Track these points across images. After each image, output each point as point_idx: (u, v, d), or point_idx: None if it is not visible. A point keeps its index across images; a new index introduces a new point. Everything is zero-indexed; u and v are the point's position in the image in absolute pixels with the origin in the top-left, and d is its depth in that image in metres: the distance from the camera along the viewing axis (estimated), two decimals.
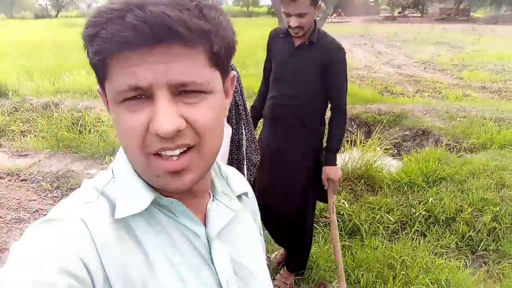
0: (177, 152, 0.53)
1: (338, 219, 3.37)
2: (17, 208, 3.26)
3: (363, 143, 4.85)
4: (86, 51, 0.52)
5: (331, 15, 31.02)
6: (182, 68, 0.50)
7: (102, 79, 0.54)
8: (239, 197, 0.74)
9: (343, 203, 3.55)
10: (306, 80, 2.24)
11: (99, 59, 0.50)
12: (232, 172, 0.77)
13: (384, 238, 3.22)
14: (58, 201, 3.64)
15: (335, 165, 2.28)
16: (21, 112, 6.03)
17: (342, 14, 31.77)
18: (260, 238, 0.80)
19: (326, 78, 2.19)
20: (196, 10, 0.50)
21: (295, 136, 2.33)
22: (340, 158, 4.43)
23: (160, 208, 0.60)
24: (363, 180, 4.02)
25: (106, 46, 0.48)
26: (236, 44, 0.59)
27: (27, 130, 5.51)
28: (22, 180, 3.94)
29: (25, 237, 0.52)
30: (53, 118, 5.61)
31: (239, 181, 0.76)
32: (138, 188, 0.58)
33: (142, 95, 0.51)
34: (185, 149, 0.54)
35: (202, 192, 0.66)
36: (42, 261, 0.48)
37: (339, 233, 3.26)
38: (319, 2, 2.10)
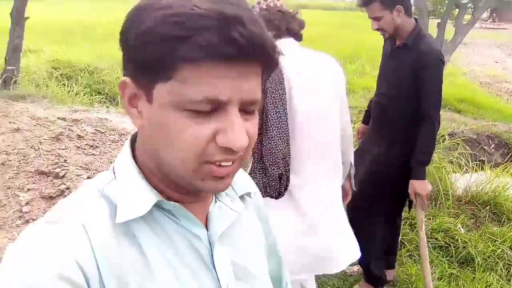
0: (231, 162, 0.55)
1: (450, 243, 3.08)
2: None
3: (498, 165, 4.32)
4: (145, 44, 0.49)
5: (487, 20, 27.93)
6: (252, 86, 0.53)
7: (156, 78, 0.51)
8: (242, 197, 0.73)
9: (459, 228, 3.22)
10: (398, 81, 2.23)
11: (178, 62, 0.48)
12: None
13: (502, 277, 2.84)
14: None
15: (423, 179, 2.16)
16: None
17: (496, 20, 28.32)
18: (262, 239, 0.78)
19: (418, 82, 2.10)
20: (268, 33, 0.52)
21: (383, 134, 2.35)
22: (465, 177, 4.02)
23: (162, 211, 0.59)
24: (488, 207, 3.59)
25: (200, 54, 0.47)
26: None
27: None
28: None
29: (22, 240, 0.52)
30: None
31: (242, 181, 0.75)
32: (141, 191, 0.57)
33: (213, 107, 0.51)
34: None
35: (208, 194, 0.66)
36: (38, 266, 0.48)
37: (449, 259, 2.98)
38: (395, 5, 2.10)
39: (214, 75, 0.49)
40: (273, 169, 1.55)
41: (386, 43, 2.38)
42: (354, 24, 17.88)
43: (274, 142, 1.54)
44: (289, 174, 1.58)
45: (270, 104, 1.52)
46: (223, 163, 0.54)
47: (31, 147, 3.14)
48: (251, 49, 0.48)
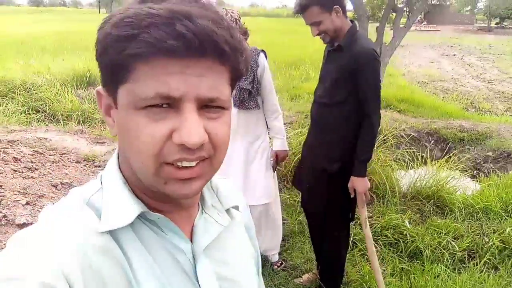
0: (193, 163, 0.54)
1: (399, 239, 3.18)
2: None
3: (438, 160, 4.55)
4: (105, 49, 0.51)
5: (421, 23, 29.49)
6: (211, 83, 0.52)
7: (117, 81, 0.52)
8: (228, 210, 0.72)
9: (406, 223, 3.33)
10: (334, 84, 2.20)
11: (130, 61, 0.49)
12: (223, 185, 0.75)
13: (448, 267, 2.96)
14: None
15: (363, 176, 2.18)
16: None
17: (425, 22, 29.94)
18: (252, 253, 0.78)
19: (355, 83, 2.12)
20: (229, 31, 0.52)
21: (323, 138, 2.33)
22: (409, 174, 4.19)
23: (146, 222, 0.59)
24: (432, 201, 3.75)
25: (147, 50, 0.48)
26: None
27: None
28: (96, 166, 4.21)
29: (8, 249, 0.51)
30: None
31: (230, 194, 0.74)
32: (125, 200, 0.57)
33: (167, 104, 0.51)
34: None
35: (192, 203, 0.65)
36: (23, 276, 0.46)
37: (399, 254, 3.07)
38: (334, 5, 2.08)
39: (165, 71, 0.49)
40: None
41: (325, 50, 2.37)
42: (297, 31, 18.27)
43: None
44: None
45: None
46: (184, 164, 0.53)
47: None
48: (198, 43, 0.48)
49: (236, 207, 0.73)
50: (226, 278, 0.65)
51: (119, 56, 0.49)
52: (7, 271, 0.47)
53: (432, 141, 5.96)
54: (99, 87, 0.57)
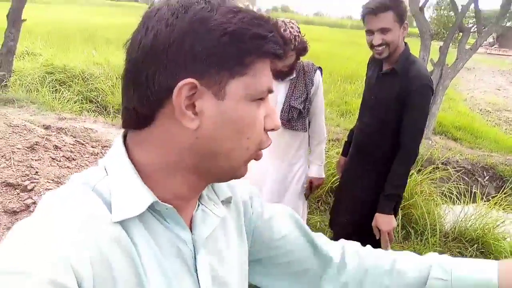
0: None
1: None
2: None
3: (491, 198, 4.20)
4: (237, 42, 0.54)
5: (492, 46, 27.93)
6: None
7: (232, 73, 0.55)
8: (223, 202, 0.73)
9: None
10: (381, 109, 2.06)
11: (260, 57, 0.56)
12: None
13: None
14: None
15: (388, 213, 1.99)
16: None
17: (497, 45, 28.20)
18: (242, 248, 0.76)
19: (403, 109, 1.95)
20: None
21: (368, 164, 2.17)
22: (455, 211, 3.88)
23: (151, 211, 0.59)
24: (476, 245, 3.44)
25: (276, 50, 0.56)
26: None
27: None
28: None
29: (10, 239, 0.48)
30: None
31: (224, 186, 0.74)
32: (137, 189, 0.57)
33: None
34: None
35: (196, 195, 0.66)
36: (28, 270, 0.44)
37: None
38: (405, 20, 1.95)
39: (269, 69, 0.59)
40: None
41: (370, 69, 2.21)
42: (359, 43, 17.80)
43: None
44: None
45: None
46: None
47: (2, 156, 3.02)
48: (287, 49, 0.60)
49: (230, 199, 0.74)
50: (216, 270, 0.67)
51: (255, 51, 0.55)
52: (9, 264, 0.44)
53: (487, 177, 5.54)
54: (190, 79, 0.54)
